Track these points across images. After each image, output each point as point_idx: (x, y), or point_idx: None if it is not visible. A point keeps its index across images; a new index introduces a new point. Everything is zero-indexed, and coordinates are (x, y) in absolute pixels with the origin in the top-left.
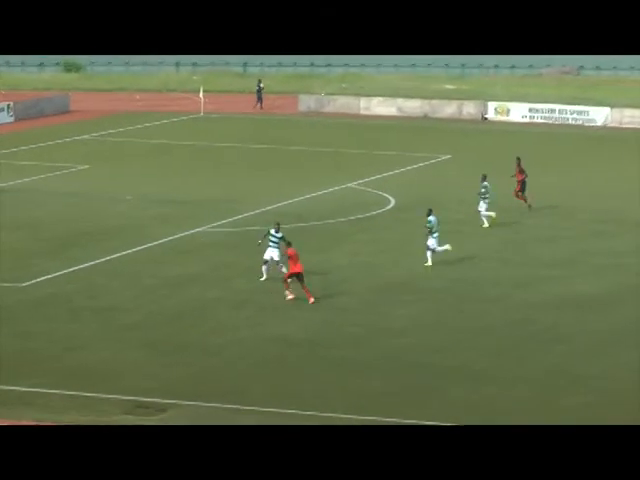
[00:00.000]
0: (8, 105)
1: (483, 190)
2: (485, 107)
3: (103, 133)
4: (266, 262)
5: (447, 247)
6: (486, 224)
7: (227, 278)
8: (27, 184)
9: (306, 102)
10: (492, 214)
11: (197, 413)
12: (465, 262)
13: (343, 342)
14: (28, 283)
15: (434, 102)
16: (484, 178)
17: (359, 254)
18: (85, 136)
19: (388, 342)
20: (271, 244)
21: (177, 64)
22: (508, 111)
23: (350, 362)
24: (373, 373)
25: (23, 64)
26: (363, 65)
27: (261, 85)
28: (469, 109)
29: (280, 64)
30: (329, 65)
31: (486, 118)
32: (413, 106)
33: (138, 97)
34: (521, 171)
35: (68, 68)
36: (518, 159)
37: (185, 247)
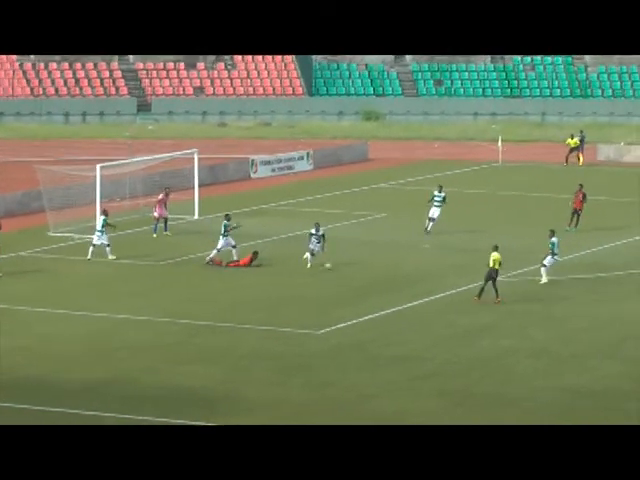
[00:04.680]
0: (308, 153)
1: None
2: None
3: (401, 181)
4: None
5: None
6: None
7: (522, 327)
8: (326, 231)
9: (605, 151)
10: None
11: None
12: None
13: None
14: (324, 331)
15: None
16: None
17: None
18: (383, 184)
19: None
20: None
21: (475, 114)
22: None
23: None
24: None
25: (323, 112)
26: None
27: (583, 135)
28: None
29: (579, 114)
30: (629, 114)
31: None
32: None
33: (436, 145)
34: None
35: (367, 117)
36: None
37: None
